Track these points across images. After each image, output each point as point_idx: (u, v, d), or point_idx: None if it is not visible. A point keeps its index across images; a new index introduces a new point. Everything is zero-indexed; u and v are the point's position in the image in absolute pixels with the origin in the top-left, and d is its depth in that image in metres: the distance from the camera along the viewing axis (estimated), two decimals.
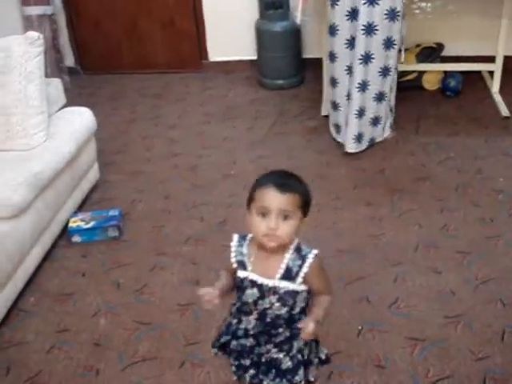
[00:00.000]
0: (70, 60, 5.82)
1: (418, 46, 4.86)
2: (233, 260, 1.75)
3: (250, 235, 1.74)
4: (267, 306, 1.71)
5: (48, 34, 5.23)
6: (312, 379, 1.89)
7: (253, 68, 5.45)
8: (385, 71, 3.74)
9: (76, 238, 3.25)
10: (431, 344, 2.41)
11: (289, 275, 1.67)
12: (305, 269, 1.66)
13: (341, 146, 4.05)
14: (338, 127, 4.06)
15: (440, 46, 4.91)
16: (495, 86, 4.74)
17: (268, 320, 1.74)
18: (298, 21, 4.65)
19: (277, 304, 1.70)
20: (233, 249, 1.76)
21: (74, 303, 2.83)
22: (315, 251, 1.70)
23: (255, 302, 1.73)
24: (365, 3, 3.52)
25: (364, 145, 3.95)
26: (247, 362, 1.85)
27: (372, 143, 4.00)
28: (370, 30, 3.58)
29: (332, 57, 3.84)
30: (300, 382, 1.80)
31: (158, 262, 3.06)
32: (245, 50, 5.51)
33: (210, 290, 1.71)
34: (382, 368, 2.32)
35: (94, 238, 3.25)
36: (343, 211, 3.36)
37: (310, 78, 5.29)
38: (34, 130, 3.10)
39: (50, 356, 2.53)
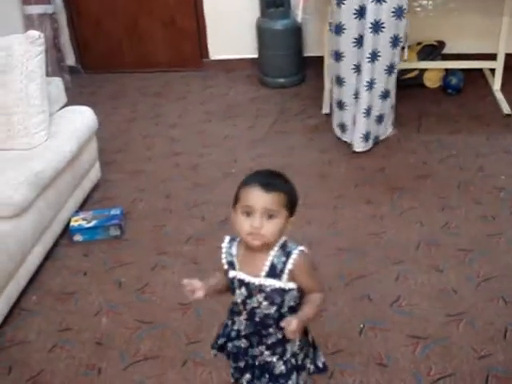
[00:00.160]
0: (70, 59, 5.82)
1: (419, 43, 4.85)
2: (223, 261, 1.75)
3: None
4: (255, 304, 1.70)
5: (49, 32, 5.22)
6: None
7: (254, 66, 5.45)
8: (390, 69, 3.75)
9: (77, 237, 3.25)
10: (433, 342, 2.41)
11: (274, 272, 1.65)
12: (289, 265, 1.64)
13: (342, 144, 4.05)
14: (343, 126, 4.05)
15: (441, 44, 4.91)
16: (497, 84, 4.73)
17: (257, 320, 1.73)
18: (299, 19, 4.65)
19: (264, 303, 1.69)
20: (223, 250, 1.76)
21: (76, 302, 2.83)
22: (301, 247, 1.68)
23: (244, 302, 1.72)
24: (372, 1, 3.52)
25: (370, 143, 3.95)
26: (242, 365, 1.85)
27: (376, 141, 3.99)
28: (377, 27, 3.58)
29: (338, 56, 3.82)
30: None
31: (160, 261, 3.06)
32: (246, 48, 5.51)
33: (194, 281, 1.73)
34: (383, 366, 2.32)
35: (95, 237, 3.25)
36: (344, 209, 3.36)
37: (311, 76, 5.29)
38: (35, 129, 3.10)
39: (51, 355, 2.53)
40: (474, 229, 3.11)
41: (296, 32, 5.13)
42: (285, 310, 1.70)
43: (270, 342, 1.75)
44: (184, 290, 1.72)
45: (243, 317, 1.76)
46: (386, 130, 4.05)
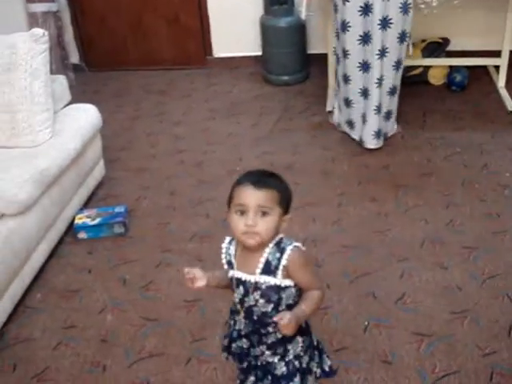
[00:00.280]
0: (74, 57, 5.83)
1: (423, 40, 4.84)
2: (223, 261, 1.76)
3: None
4: (252, 303, 1.70)
5: (53, 30, 5.23)
6: None
7: (257, 64, 5.44)
8: (398, 65, 3.75)
9: (82, 235, 3.26)
10: (438, 339, 2.41)
11: (268, 269, 1.65)
12: (284, 261, 1.64)
13: (346, 142, 4.05)
14: (351, 124, 4.05)
15: (446, 41, 4.90)
16: (501, 81, 4.72)
17: (255, 318, 1.72)
18: (303, 16, 4.64)
19: (261, 300, 1.68)
20: (223, 250, 1.77)
21: (81, 299, 2.84)
22: (296, 243, 1.67)
23: (241, 300, 1.73)
24: None
25: (381, 141, 3.94)
26: (245, 365, 1.85)
27: (385, 138, 3.99)
28: (385, 23, 3.58)
29: (344, 53, 3.83)
30: None
31: (164, 258, 3.06)
32: (249, 45, 5.51)
33: (195, 270, 1.76)
34: (388, 364, 2.32)
35: (99, 235, 3.26)
36: (349, 207, 3.36)
37: (315, 73, 5.28)
38: (39, 126, 3.11)
39: (56, 352, 2.54)
40: (479, 226, 3.10)
41: (300, 29, 5.12)
42: (283, 307, 1.69)
43: (270, 341, 1.75)
44: (184, 278, 1.75)
45: (241, 315, 1.76)
46: (393, 127, 4.04)
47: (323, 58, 4.78)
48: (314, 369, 1.84)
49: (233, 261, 1.73)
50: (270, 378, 1.79)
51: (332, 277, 2.78)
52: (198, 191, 3.65)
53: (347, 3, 3.61)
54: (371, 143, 3.92)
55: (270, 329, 1.72)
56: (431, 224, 3.15)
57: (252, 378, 1.84)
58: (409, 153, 3.89)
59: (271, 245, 1.66)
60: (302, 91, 5.06)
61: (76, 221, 3.28)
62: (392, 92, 3.83)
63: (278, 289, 1.67)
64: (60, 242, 3.22)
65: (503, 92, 4.62)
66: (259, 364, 1.80)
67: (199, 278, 1.75)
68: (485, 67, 5.00)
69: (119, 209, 3.36)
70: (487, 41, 4.86)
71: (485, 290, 2.66)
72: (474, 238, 3.01)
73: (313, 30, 5.30)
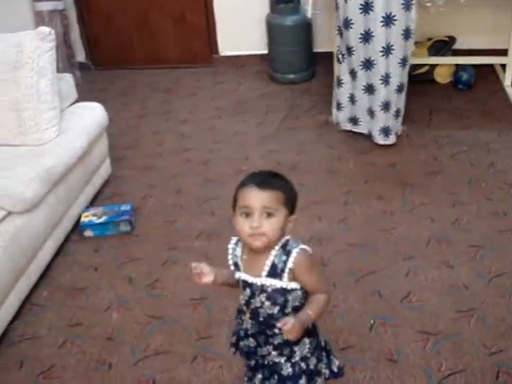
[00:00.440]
0: (81, 55, 5.85)
1: (429, 39, 4.84)
2: (229, 262, 1.75)
3: None
4: (258, 304, 1.69)
5: (59, 29, 5.24)
6: None
7: (263, 62, 5.44)
8: (404, 62, 3.74)
9: (88, 233, 3.26)
10: (444, 338, 2.40)
11: (274, 272, 1.64)
12: (290, 264, 1.62)
13: (352, 140, 4.05)
14: (355, 120, 4.05)
15: (452, 39, 4.89)
16: (507, 80, 4.72)
17: (261, 319, 1.71)
18: (309, 14, 4.65)
19: (267, 303, 1.68)
20: (229, 251, 1.76)
21: (87, 297, 2.84)
22: (302, 246, 1.65)
23: (247, 302, 1.72)
24: None
25: (392, 138, 3.93)
26: (253, 363, 1.85)
27: (396, 136, 3.97)
28: (388, 20, 3.58)
29: (348, 50, 3.83)
30: None
31: (170, 256, 3.07)
32: (255, 44, 5.51)
33: (202, 265, 1.75)
34: (394, 362, 2.32)
35: (106, 233, 3.26)
36: (354, 205, 3.35)
37: (321, 72, 5.28)
38: (46, 124, 3.11)
39: (62, 350, 2.54)
40: (485, 225, 3.10)
41: (306, 28, 5.12)
42: (289, 310, 1.68)
43: (276, 342, 1.74)
44: (192, 273, 1.74)
45: (247, 316, 1.75)
46: (401, 125, 4.03)
47: (329, 56, 4.78)
48: (323, 370, 1.83)
49: (239, 263, 1.72)
50: (276, 377, 1.78)
51: (338, 275, 2.77)
52: (204, 189, 3.66)
53: (349, 1, 3.62)
54: (380, 139, 3.93)
55: (276, 330, 1.70)
56: (437, 222, 3.15)
57: (260, 376, 1.84)
58: (415, 151, 3.88)
59: (277, 247, 1.65)
60: (308, 90, 5.06)
61: (82, 219, 3.29)
62: (400, 89, 3.83)
63: (284, 291, 1.66)
64: (66, 240, 3.22)
65: (510, 90, 4.62)
66: (266, 363, 1.80)
67: (206, 274, 1.74)
68: (491, 66, 4.99)
69: (125, 207, 3.36)
70: (494, 39, 4.85)
71: (491, 288, 2.65)
72: (480, 236, 3.00)
73: (319, 29, 5.30)
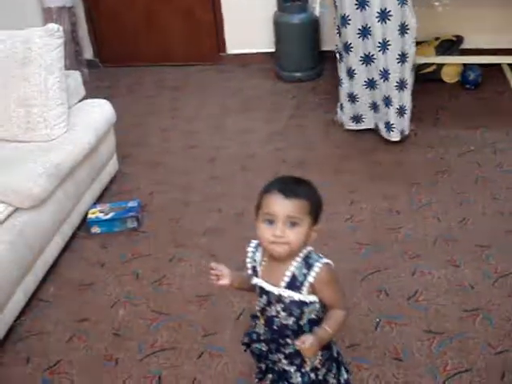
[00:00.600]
0: (88, 52, 5.85)
1: (437, 38, 4.82)
2: (248, 266, 1.73)
3: None
4: (274, 313, 1.68)
5: (67, 26, 5.24)
6: None
7: (271, 60, 5.44)
8: (402, 58, 3.72)
9: (95, 229, 3.28)
10: (450, 337, 2.40)
11: (293, 284, 1.62)
12: (310, 278, 1.60)
13: (358, 139, 4.05)
14: (358, 118, 4.05)
15: (459, 39, 4.88)
16: None
17: (275, 328, 1.70)
18: (317, 13, 4.65)
19: (283, 313, 1.66)
20: (248, 254, 1.74)
21: (94, 293, 2.85)
22: (325, 260, 1.64)
23: (263, 309, 1.71)
24: None
25: (394, 136, 3.91)
26: (263, 366, 1.84)
27: (404, 135, 3.95)
28: (384, 16, 3.59)
29: (346, 48, 3.83)
30: None
31: (177, 253, 3.08)
32: (263, 42, 5.50)
33: (221, 266, 1.74)
34: (399, 361, 2.32)
35: (113, 229, 3.27)
36: (361, 204, 3.36)
37: (328, 70, 5.27)
38: (54, 121, 3.12)
39: (69, 346, 2.56)
40: (492, 225, 3.09)
41: (313, 26, 5.12)
42: (304, 322, 1.67)
43: (287, 351, 1.72)
44: (210, 273, 1.73)
45: (262, 322, 1.74)
46: (409, 124, 3.99)
47: None
48: (331, 380, 1.81)
49: (258, 268, 1.70)
50: (285, 383, 1.78)
51: (344, 274, 2.77)
52: (210, 186, 3.66)
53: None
54: (384, 133, 3.95)
55: (289, 340, 1.69)
56: (444, 222, 3.15)
57: (271, 376, 1.83)
58: (422, 150, 3.88)
59: (299, 258, 1.62)
60: (315, 88, 5.06)
61: (89, 215, 3.30)
62: (400, 86, 3.80)
63: (302, 304, 1.64)
64: (73, 236, 3.24)
65: None
66: (276, 369, 1.79)
67: (225, 276, 1.72)
68: (498, 65, 4.97)
69: (132, 203, 3.37)
70: (501, 39, 4.84)
71: (497, 288, 2.65)
72: (486, 236, 3.00)
73: (326, 27, 5.28)
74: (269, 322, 1.71)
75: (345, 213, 3.28)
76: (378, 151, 3.91)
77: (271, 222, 1.56)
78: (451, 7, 4.87)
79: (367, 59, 3.79)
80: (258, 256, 1.71)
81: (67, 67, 3.42)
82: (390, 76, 3.76)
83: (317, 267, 1.61)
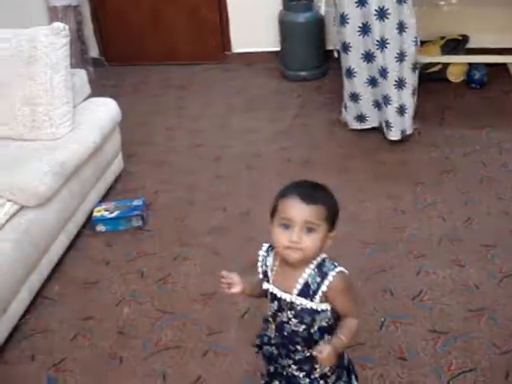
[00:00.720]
0: (94, 51, 5.86)
1: (442, 38, 4.81)
2: (259, 270, 1.70)
3: None
4: (285, 319, 1.66)
5: (73, 25, 5.25)
6: None
7: (276, 59, 5.44)
8: (401, 56, 3.70)
9: (100, 227, 3.28)
10: (454, 337, 2.40)
11: (306, 292, 1.59)
12: (323, 287, 1.58)
13: (363, 138, 4.04)
14: (361, 117, 4.05)
15: (465, 38, 4.87)
16: None
17: (285, 334, 1.68)
18: (322, 12, 4.63)
19: (294, 320, 1.64)
20: (260, 258, 1.71)
21: (98, 292, 2.86)
22: (339, 269, 1.61)
23: (274, 314, 1.69)
24: None
25: (393, 135, 3.90)
26: (272, 369, 1.82)
27: (405, 135, 3.93)
28: (382, 14, 3.59)
29: (345, 47, 3.83)
30: None
31: (182, 251, 3.08)
32: (268, 41, 5.50)
33: (233, 275, 1.71)
34: (404, 360, 2.32)
35: (118, 228, 3.28)
36: (366, 203, 3.35)
37: (333, 69, 5.26)
38: (59, 119, 3.13)
39: (74, 344, 2.57)
40: (497, 224, 3.09)
41: (318, 25, 5.11)
42: (315, 329, 1.64)
43: (297, 357, 1.70)
44: (222, 281, 1.71)
45: (273, 327, 1.72)
46: (411, 124, 3.96)
47: None
48: None
49: (269, 273, 1.67)
50: None
51: (349, 273, 2.77)
52: (215, 185, 3.67)
53: None
54: (385, 132, 3.94)
55: (299, 347, 1.67)
56: (449, 221, 3.14)
57: (277, 383, 1.82)
58: (427, 149, 3.87)
59: (312, 266, 1.60)
60: (320, 87, 5.05)
61: (94, 213, 3.31)
62: (399, 85, 3.78)
63: (313, 312, 1.62)
64: (78, 234, 3.25)
65: None
66: (285, 373, 1.77)
67: (236, 284, 1.70)
68: (504, 65, 4.95)
69: (137, 202, 3.38)
70: (507, 38, 4.83)
71: (502, 288, 2.65)
72: (491, 236, 3.00)
73: (331, 26, 5.27)
74: (280, 327, 1.69)
75: (349, 211, 3.28)
76: (383, 150, 3.90)
77: (287, 226, 1.53)
78: (457, 6, 4.86)
79: (368, 57, 3.79)
80: (270, 260, 1.68)
81: (73, 66, 3.42)
82: (388, 74, 3.75)
83: (331, 276, 1.58)
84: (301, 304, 1.61)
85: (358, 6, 3.65)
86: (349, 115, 4.12)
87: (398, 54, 3.70)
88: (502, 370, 2.25)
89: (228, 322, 2.58)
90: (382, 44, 3.68)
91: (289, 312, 1.64)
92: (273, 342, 1.75)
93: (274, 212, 1.59)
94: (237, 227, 3.22)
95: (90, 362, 2.46)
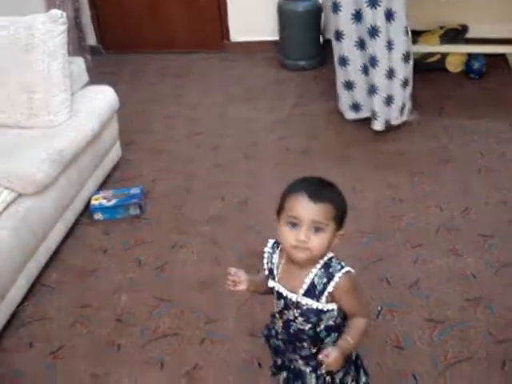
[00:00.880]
0: (91, 39, 5.83)
1: (441, 27, 4.80)
2: (265, 267, 1.68)
3: None
4: (291, 317, 1.65)
5: (70, 12, 5.22)
6: None
7: (274, 49, 5.42)
8: (389, 45, 3.66)
9: (98, 216, 3.28)
10: (451, 326, 2.41)
11: (312, 292, 1.58)
12: (330, 288, 1.55)
13: (361, 128, 4.02)
14: (356, 106, 4.03)
15: (464, 28, 4.86)
16: None
17: (291, 331, 1.67)
18: (321, 0, 4.61)
19: (300, 318, 1.62)
20: (266, 255, 1.69)
21: (96, 280, 2.86)
22: (346, 269, 1.58)
23: (281, 312, 1.68)
24: None
25: (377, 125, 3.88)
26: (279, 362, 1.82)
27: (388, 125, 3.92)
28: (373, 1, 3.54)
29: (338, 35, 3.82)
30: None
31: (179, 240, 3.08)
32: (267, 30, 5.48)
33: (240, 272, 1.69)
34: (400, 349, 2.33)
35: (115, 216, 3.28)
36: (364, 193, 3.36)
37: (331, 59, 5.23)
38: (57, 107, 3.12)
39: (72, 331, 2.57)
40: (494, 214, 3.10)
41: (317, 14, 5.08)
42: (321, 328, 1.63)
43: (303, 353, 1.69)
44: (228, 278, 1.69)
45: (279, 324, 1.71)
46: (401, 115, 3.94)
47: None
48: (349, 383, 1.78)
49: (275, 271, 1.66)
50: (300, 383, 1.76)
51: (346, 262, 2.78)
52: (213, 174, 3.66)
53: None
54: (371, 122, 3.92)
55: (305, 344, 1.67)
56: (446, 211, 3.15)
57: (284, 374, 1.81)
58: (425, 139, 3.87)
59: (319, 265, 1.58)
60: (319, 76, 5.04)
61: (92, 202, 3.31)
62: (389, 75, 3.75)
63: (320, 312, 1.60)
64: (76, 222, 3.25)
65: None
66: (292, 367, 1.77)
67: (242, 282, 1.69)
68: (503, 55, 4.95)
69: (135, 190, 3.37)
70: (506, 28, 4.81)
71: (499, 277, 2.66)
72: (489, 225, 3.00)
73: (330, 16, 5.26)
74: (286, 325, 1.68)
75: (348, 200, 3.26)
76: (381, 140, 3.90)
77: (294, 225, 1.50)
78: None
79: (362, 44, 3.76)
80: (276, 258, 1.66)
81: (70, 53, 3.41)
82: (378, 63, 3.71)
83: (337, 277, 1.56)
84: (307, 304, 1.59)
85: None
86: (343, 105, 4.10)
87: (387, 42, 3.66)
88: (498, 359, 2.26)
89: (225, 310, 2.58)
90: (374, 32, 3.63)
91: (295, 311, 1.62)
92: (279, 337, 1.74)
93: (280, 209, 1.56)
94: (235, 216, 3.23)
95: (88, 350, 2.47)
